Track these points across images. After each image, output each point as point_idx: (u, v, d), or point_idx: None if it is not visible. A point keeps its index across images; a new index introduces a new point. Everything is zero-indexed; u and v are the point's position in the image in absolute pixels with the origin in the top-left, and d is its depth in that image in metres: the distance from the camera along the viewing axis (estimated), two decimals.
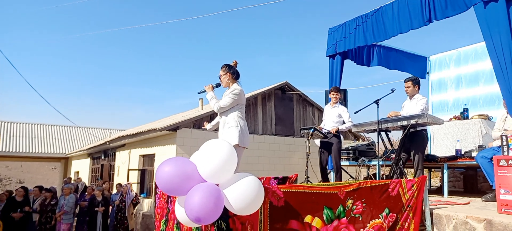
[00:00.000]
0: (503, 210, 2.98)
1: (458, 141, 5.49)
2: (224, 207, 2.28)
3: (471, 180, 6.31)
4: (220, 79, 3.98)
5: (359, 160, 6.11)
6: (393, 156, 5.30)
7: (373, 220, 2.88)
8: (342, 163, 6.25)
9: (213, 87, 3.94)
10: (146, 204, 11.28)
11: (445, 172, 4.96)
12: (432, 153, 6.31)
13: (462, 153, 5.14)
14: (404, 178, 3.91)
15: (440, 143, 6.65)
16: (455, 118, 6.54)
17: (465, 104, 6.71)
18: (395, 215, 2.98)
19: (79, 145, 21.88)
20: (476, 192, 5.92)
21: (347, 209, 2.82)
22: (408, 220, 3.04)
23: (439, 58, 8.10)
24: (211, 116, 9.43)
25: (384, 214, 2.93)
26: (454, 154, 5.22)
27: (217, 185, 2.32)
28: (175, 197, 2.63)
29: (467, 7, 4.72)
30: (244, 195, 2.24)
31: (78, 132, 23.83)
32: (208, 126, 4.28)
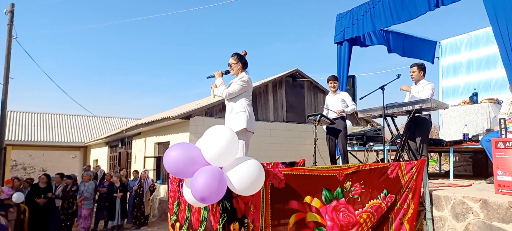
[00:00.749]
0: (500, 190, 3.07)
1: (466, 125, 5.52)
2: (228, 188, 2.46)
3: (480, 163, 6.33)
4: (230, 66, 4.11)
5: (367, 145, 6.21)
6: (398, 141, 5.39)
7: (372, 201, 3.02)
8: (350, 148, 6.38)
9: (222, 74, 4.09)
10: (162, 190, 11.65)
11: (451, 155, 5.02)
12: (440, 137, 6.35)
13: (470, 137, 5.18)
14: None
15: (449, 128, 6.67)
16: (464, 102, 6.54)
17: (475, 89, 6.68)
18: (393, 195, 3.11)
19: (97, 133, 22.51)
20: (485, 176, 5.94)
21: (345, 190, 2.96)
22: (407, 201, 3.16)
23: (450, 43, 8.04)
24: (223, 104, 9.64)
25: (382, 195, 3.07)
26: (461, 138, 5.26)
27: (221, 168, 2.50)
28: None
29: None
30: (246, 177, 2.41)
31: (95, 121, 24.50)
32: (216, 90, 4.11)
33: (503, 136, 3.17)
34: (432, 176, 5.94)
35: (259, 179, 2.46)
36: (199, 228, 3.04)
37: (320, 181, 2.90)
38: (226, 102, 4.08)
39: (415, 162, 3.26)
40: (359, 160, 6.18)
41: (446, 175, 6.45)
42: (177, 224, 3.87)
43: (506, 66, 4.35)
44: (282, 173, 2.79)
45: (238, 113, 3.88)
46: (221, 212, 2.55)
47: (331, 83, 5.92)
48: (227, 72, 4.15)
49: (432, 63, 8.24)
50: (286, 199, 2.78)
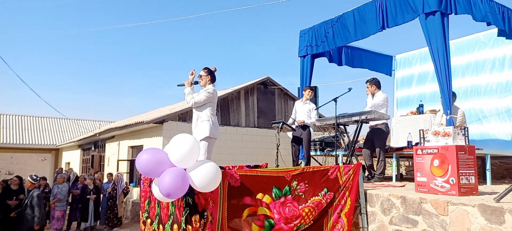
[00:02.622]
0: (418, 189, 3.73)
1: (410, 133, 6.25)
2: (190, 186, 2.97)
3: None
4: (200, 78, 4.57)
5: (325, 150, 6.86)
6: (356, 147, 6.08)
7: (313, 197, 3.60)
8: (312, 153, 7.00)
9: (191, 84, 4.55)
10: (135, 192, 11.93)
11: (394, 160, 5.72)
12: (391, 145, 7.07)
13: (413, 144, 5.91)
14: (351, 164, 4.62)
15: (400, 135, 7.42)
16: (412, 112, 7.30)
17: (421, 101, 7.48)
18: (332, 193, 3.70)
19: (69, 136, 22.32)
20: None
21: (292, 188, 3.53)
22: (345, 198, 3.77)
23: (403, 57, 8.86)
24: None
25: (323, 192, 3.66)
26: (406, 144, 5.99)
27: (185, 169, 3.00)
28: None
29: (412, 18, 5.43)
30: (205, 177, 2.92)
31: (68, 124, 24.25)
32: (187, 90, 4.46)
33: (421, 144, 3.84)
34: (387, 179, 6.60)
35: (216, 178, 2.99)
36: (168, 221, 3.52)
37: (271, 180, 3.45)
38: (193, 111, 4.54)
39: (352, 165, 3.87)
40: (320, 164, 6.80)
41: (401, 179, 7.17)
42: (148, 220, 4.32)
43: (438, 82, 5.06)
44: (238, 173, 3.32)
45: (203, 122, 4.33)
46: (184, 206, 3.05)
47: (309, 92, 6.43)
48: (196, 82, 4.61)
49: (390, 75, 9.05)
50: (241, 195, 3.31)
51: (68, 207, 9.97)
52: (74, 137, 21.10)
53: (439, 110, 6.05)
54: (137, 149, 12.37)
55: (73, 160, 19.04)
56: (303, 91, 6.59)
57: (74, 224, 10.03)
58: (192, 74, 4.54)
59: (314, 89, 7.75)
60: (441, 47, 4.97)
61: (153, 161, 2.85)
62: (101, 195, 10.36)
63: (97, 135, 14.45)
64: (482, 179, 5.66)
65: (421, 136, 3.85)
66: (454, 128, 3.58)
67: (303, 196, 3.57)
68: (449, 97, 4.83)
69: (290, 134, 6.74)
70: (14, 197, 9.26)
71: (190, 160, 2.95)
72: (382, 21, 5.80)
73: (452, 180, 3.38)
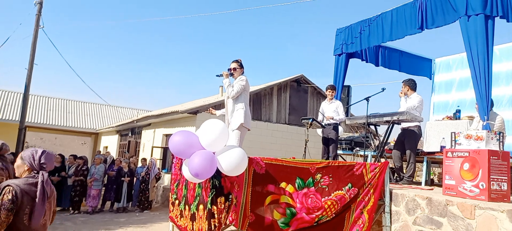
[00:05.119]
0: (446, 192, 3.67)
1: (443, 138, 6.08)
2: (217, 168, 3.12)
3: None
4: (233, 70, 4.73)
5: (354, 150, 6.82)
6: (386, 148, 6.01)
7: (337, 191, 3.64)
8: (340, 152, 6.98)
9: (228, 75, 4.72)
10: (167, 179, 12.38)
11: (424, 164, 5.59)
12: (423, 149, 6.90)
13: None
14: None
15: (432, 140, 7.21)
16: (448, 117, 7.07)
17: (458, 106, 7.22)
18: (356, 189, 3.72)
19: (109, 122, 23.43)
20: None
21: (315, 181, 3.59)
22: (369, 195, 3.78)
23: (443, 61, 8.57)
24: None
25: (347, 187, 3.69)
26: (439, 149, 5.83)
27: (214, 153, 3.16)
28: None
29: (453, 20, 5.28)
30: (232, 161, 3.05)
31: (108, 110, 25.46)
32: (217, 112, 5.09)
33: (453, 147, 3.76)
34: (416, 184, 6.46)
35: (242, 164, 3.11)
36: (194, 202, 3.70)
37: (295, 171, 3.54)
38: (227, 100, 4.71)
39: (379, 164, 3.87)
40: None
41: (431, 185, 7.00)
42: (176, 202, 4.55)
43: (475, 88, 4.90)
44: (264, 161, 3.44)
45: (238, 110, 4.51)
46: (211, 187, 3.21)
47: (329, 91, 6.49)
48: (231, 74, 4.78)
49: (430, 78, 8.79)
50: (265, 182, 3.42)
51: (103, 187, 10.53)
52: (113, 123, 22.13)
53: (476, 116, 5.84)
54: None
55: (111, 145, 20.00)
56: (326, 91, 6.60)
57: (107, 204, 10.58)
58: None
59: (348, 88, 7.72)
60: (481, 50, 4.81)
61: (184, 143, 3.03)
62: (135, 179, 10.85)
63: (135, 121, 15.10)
64: None
65: (453, 139, 3.77)
66: (488, 132, 3.48)
67: (326, 189, 3.62)
68: (487, 102, 4.67)
69: (319, 131, 6.76)
70: (57, 174, 9.96)
71: (219, 144, 3.09)
72: (421, 21, 5.68)
73: (482, 185, 3.31)
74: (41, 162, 2.45)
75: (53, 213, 2.68)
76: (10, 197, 2.21)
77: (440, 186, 6.70)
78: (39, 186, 2.34)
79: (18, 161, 2.47)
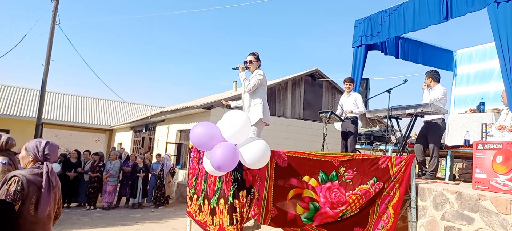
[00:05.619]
0: (476, 186, 3.50)
1: (468, 131, 5.87)
2: (239, 161, 3.02)
3: None
4: (249, 63, 4.63)
5: (373, 144, 6.64)
6: (408, 142, 5.83)
7: (361, 185, 3.51)
8: (358, 146, 6.81)
9: (244, 68, 4.62)
10: (181, 175, 12.38)
11: (448, 158, 5.40)
12: (445, 143, 6.69)
13: (471, 143, 5.54)
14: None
15: (455, 134, 6.98)
16: (471, 110, 6.84)
17: (482, 99, 6.97)
18: (382, 183, 3.58)
19: (123, 118, 23.63)
20: None
21: (339, 174, 3.47)
22: (394, 189, 3.64)
23: (465, 53, 8.30)
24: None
25: (372, 181, 3.55)
26: (462, 143, 5.62)
27: (236, 145, 3.06)
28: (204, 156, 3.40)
29: (481, 6, 5.05)
30: (254, 153, 2.95)
31: (122, 107, 25.67)
32: (232, 103, 5.00)
33: (484, 139, 3.58)
34: (439, 179, 6.27)
35: (265, 156, 3.01)
36: (214, 196, 3.62)
37: (318, 164, 3.42)
38: (244, 95, 4.62)
39: (405, 156, 3.72)
40: None
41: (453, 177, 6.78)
42: (195, 196, 4.48)
43: (505, 78, 4.69)
44: (286, 154, 3.33)
45: (256, 105, 4.41)
46: (233, 181, 3.11)
47: (346, 84, 6.34)
48: (247, 67, 4.68)
49: (452, 71, 8.53)
50: (287, 176, 3.31)
51: (119, 183, 10.58)
52: (127, 119, 22.30)
53: (503, 109, 5.60)
54: (185, 133, 12.81)
55: (125, 141, 20.16)
56: (343, 84, 6.44)
57: (123, 199, 10.63)
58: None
59: (366, 81, 7.54)
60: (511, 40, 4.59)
61: (206, 134, 2.94)
62: (150, 174, 10.87)
63: (149, 117, 15.15)
64: None
65: (484, 130, 3.60)
66: None
67: (350, 183, 3.49)
68: None
69: (337, 126, 6.61)
70: (73, 169, 10.05)
71: (241, 136, 2.99)
72: (446, 10, 5.47)
73: None
74: (45, 152, 2.50)
75: (59, 204, 2.73)
76: (16, 187, 2.26)
77: (463, 181, 6.50)
78: (44, 176, 2.39)
79: (23, 152, 2.52)
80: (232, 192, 3.10)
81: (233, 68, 4.68)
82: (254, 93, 4.48)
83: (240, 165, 3.07)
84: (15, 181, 2.28)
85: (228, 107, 5.14)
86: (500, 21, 4.73)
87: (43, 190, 2.37)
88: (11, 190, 2.25)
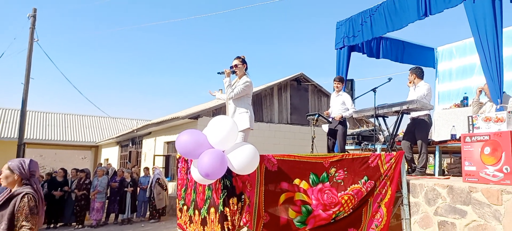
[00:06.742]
0: (466, 179, 3.51)
1: (454, 126, 5.92)
2: (228, 168, 2.95)
3: None
4: (235, 67, 4.54)
5: (362, 144, 6.65)
6: (396, 140, 5.85)
7: (353, 185, 3.47)
8: (347, 148, 6.81)
9: (230, 74, 4.52)
10: (170, 187, 12.17)
11: (437, 154, 5.43)
12: (432, 138, 6.74)
13: (457, 137, 5.58)
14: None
15: (442, 129, 7.05)
16: (456, 105, 6.93)
17: (465, 93, 7.08)
18: (373, 182, 3.56)
19: (109, 134, 23.22)
20: None
21: (330, 175, 3.43)
22: (386, 187, 3.61)
23: (446, 49, 8.44)
24: None
25: (363, 180, 3.52)
26: (449, 138, 5.67)
27: (223, 151, 2.99)
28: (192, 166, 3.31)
29: (458, 2, 5.13)
30: (243, 159, 2.89)
31: (107, 122, 25.25)
32: (217, 95, 4.79)
33: (470, 131, 3.60)
34: (428, 175, 6.30)
35: (254, 161, 2.95)
36: (204, 206, 3.53)
37: (308, 166, 3.37)
38: (228, 102, 4.52)
39: (394, 154, 3.71)
40: None
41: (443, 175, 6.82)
42: (185, 207, 4.37)
43: (485, 72, 4.76)
44: (275, 158, 3.27)
45: (242, 113, 4.31)
46: (222, 188, 3.03)
47: (335, 83, 6.33)
48: (234, 72, 4.59)
49: (434, 68, 8.65)
50: (278, 180, 3.25)
51: (107, 200, 10.32)
52: (112, 135, 21.92)
53: (486, 102, 5.69)
54: (172, 145, 12.63)
55: (111, 157, 19.78)
56: (333, 84, 6.46)
57: (112, 216, 10.36)
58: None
59: (351, 82, 7.57)
60: (490, 32, 4.67)
61: (192, 142, 2.86)
62: (138, 188, 10.65)
63: (135, 131, 14.91)
64: None
65: (470, 123, 3.62)
66: (509, 112, 3.33)
67: (342, 184, 3.46)
68: (499, 85, 4.52)
69: (325, 128, 6.60)
70: (59, 188, 9.76)
71: (229, 142, 2.93)
72: (425, 7, 5.54)
73: (507, 169, 3.15)
74: (31, 169, 2.55)
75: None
76: (35, 203, 2.41)
77: (452, 175, 6.54)
78: (40, 192, 2.52)
79: (6, 172, 2.51)
80: (222, 200, 3.02)
81: (218, 73, 4.58)
82: (239, 101, 4.37)
83: (229, 171, 3.00)
84: (29, 198, 2.39)
85: (214, 95, 4.92)
86: (477, 16, 4.80)
87: (42, 204, 2.51)
88: (31, 205, 2.37)
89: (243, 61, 4.53)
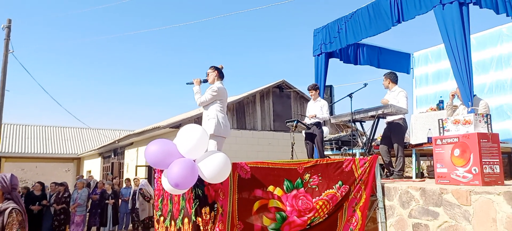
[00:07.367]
0: (439, 181, 3.56)
1: (430, 129, 6.03)
2: (199, 177, 2.91)
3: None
4: (207, 75, 4.56)
5: (342, 149, 6.70)
6: (373, 144, 5.92)
7: (328, 190, 3.48)
8: (327, 153, 6.85)
9: (200, 82, 4.51)
10: None
11: (413, 157, 5.51)
12: (410, 142, 6.84)
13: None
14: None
15: (419, 133, 7.17)
16: (431, 109, 7.07)
17: (441, 97, 7.23)
18: (347, 186, 3.57)
19: (91, 145, 22.80)
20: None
21: (305, 181, 3.43)
22: (360, 191, 3.63)
23: (422, 55, 8.62)
24: None
25: (337, 185, 3.53)
26: (426, 141, 5.77)
27: (194, 160, 2.96)
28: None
29: (429, 9, 5.26)
30: (214, 167, 2.86)
31: (89, 133, 24.79)
32: (195, 89, 4.53)
33: (441, 134, 3.67)
34: (406, 178, 6.35)
35: (226, 169, 2.92)
36: (179, 216, 3.48)
37: (282, 173, 3.36)
38: (202, 109, 4.50)
39: (368, 158, 3.74)
40: None
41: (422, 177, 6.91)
42: (161, 218, 4.29)
43: (456, 76, 4.86)
44: (248, 165, 3.25)
45: (209, 120, 4.27)
46: (194, 198, 3.00)
47: (311, 92, 6.41)
48: (206, 81, 4.58)
49: (408, 73, 8.82)
50: (251, 187, 3.23)
51: (88, 213, 10.08)
52: (95, 146, 21.53)
53: (459, 105, 5.81)
54: None
55: (94, 169, 19.41)
56: (308, 92, 6.53)
57: (93, 229, 10.12)
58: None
59: (330, 88, 7.64)
60: (459, 37, 4.77)
61: (161, 151, 2.82)
62: (120, 200, 10.44)
63: (117, 142, 14.68)
64: (509, 176, 5.36)
65: (441, 126, 3.68)
66: (476, 115, 3.40)
67: (316, 189, 3.46)
68: (470, 88, 4.62)
69: (303, 133, 6.63)
70: (37, 203, 9.48)
71: (199, 150, 2.90)
72: (398, 14, 5.66)
73: (475, 170, 3.21)
74: (12, 183, 2.63)
75: None
76: (22, 217, 2.47)
77: (430, 178, 6.64)
78: (22, 206, 2.60)
79: None
80: (194, 209, 2.98)
81: (187, 83, 4.58)
82: (207, 108, 4.37)
83: (200, 180, 2.96)
84: (16, 212, 2.45)
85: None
86: (447, 23, 4.91)
87: (26, 218, 2.59)
88: (19, 220, 2.43)
89: (215, 69, 4.52)
